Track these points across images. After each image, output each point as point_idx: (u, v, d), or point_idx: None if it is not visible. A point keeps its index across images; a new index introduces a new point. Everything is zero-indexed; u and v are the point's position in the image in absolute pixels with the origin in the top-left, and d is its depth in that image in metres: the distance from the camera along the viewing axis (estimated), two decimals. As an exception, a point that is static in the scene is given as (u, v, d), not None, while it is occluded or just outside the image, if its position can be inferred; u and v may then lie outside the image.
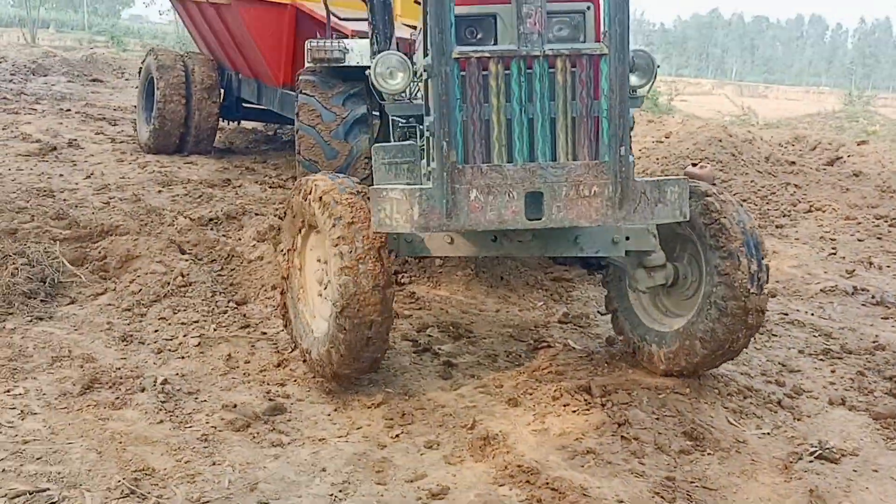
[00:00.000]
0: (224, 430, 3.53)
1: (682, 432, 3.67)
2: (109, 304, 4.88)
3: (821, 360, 4.71)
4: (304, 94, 5.86)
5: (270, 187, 8.82)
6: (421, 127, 5.07)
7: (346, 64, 5.85)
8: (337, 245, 3.59)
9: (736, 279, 3.78)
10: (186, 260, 5.52)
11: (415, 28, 7.23)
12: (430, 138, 3.51)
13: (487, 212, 3.45)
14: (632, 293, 4.39)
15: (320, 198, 3.71)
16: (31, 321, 4.59)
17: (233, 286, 5.35)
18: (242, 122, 11.67)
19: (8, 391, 3.75)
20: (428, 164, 3.91)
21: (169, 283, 5.13)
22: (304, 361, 4.02)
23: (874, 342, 4.96)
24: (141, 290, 5.03)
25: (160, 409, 3.69)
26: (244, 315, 4.89)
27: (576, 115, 3.49)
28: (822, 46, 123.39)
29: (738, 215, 3.84)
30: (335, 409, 3.83)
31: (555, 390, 3.95)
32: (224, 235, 6.71)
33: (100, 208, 7.27)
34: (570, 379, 4.13)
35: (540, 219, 3.48)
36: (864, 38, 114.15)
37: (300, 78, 6.05)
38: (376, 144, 4.81)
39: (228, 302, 5.06)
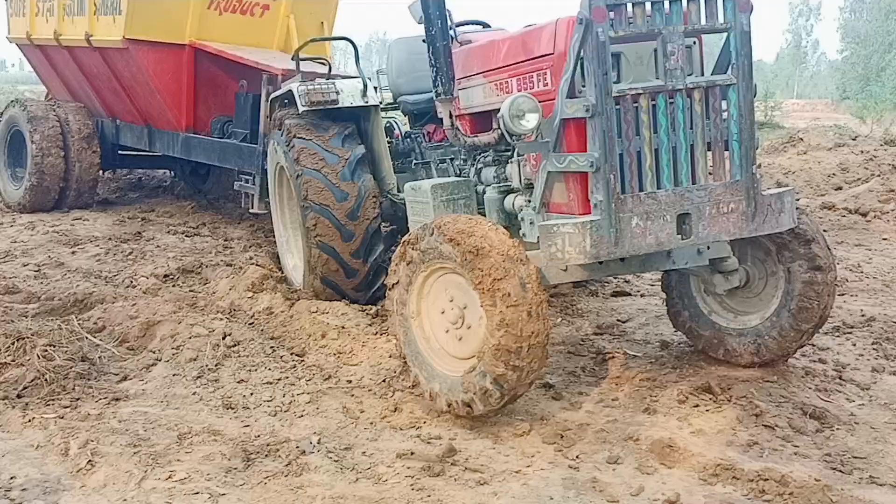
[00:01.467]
0: (424, 478, 3.53)
1: (806, 415, 4.11)
2: (175, 374, 4.61)
3: (837, 336, 5.37)
4: (300, 138, 5.77)
5: (188, 236, 8.50)
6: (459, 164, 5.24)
7: (339, 105, 5.85)
8: (500, 283, 3.68)
9: None
10: (221, 319, 5.30)
11: (317, 60, 7.25)
12: (594, 173, 3.70)
13: (647, 236, 3.73)
14: (700, 300, 4.79)
15: (468, 238, 3.78)
16: (108, 403, 4.26)
17: (275, 339, 5.21)
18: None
19: (170, 477, 3.51)
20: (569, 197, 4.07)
21: (219, 345, 4.92)
22: (448, 404, 4.02)
23: (862, 315, 5.71)
24: (197, 356, 4.79)
25: (340, 469, 3.61)
26: (318, 367, 4.79)
27: (711, 140, 3.84)
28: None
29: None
30: (493, 444, 3.90)
31: (678, 394, 4.27)
32: (191, 291, 6.46)
33: (34, 277, 6.75)
34: (674, 383, 4.47)
35: (689, 237, 3.80)
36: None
37: (285, 123, 5.94)
38: (434, 182, 4.91)
39: (292, 356, 4.94)
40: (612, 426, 4.05)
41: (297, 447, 3.78)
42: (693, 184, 3.83)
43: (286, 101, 6.24)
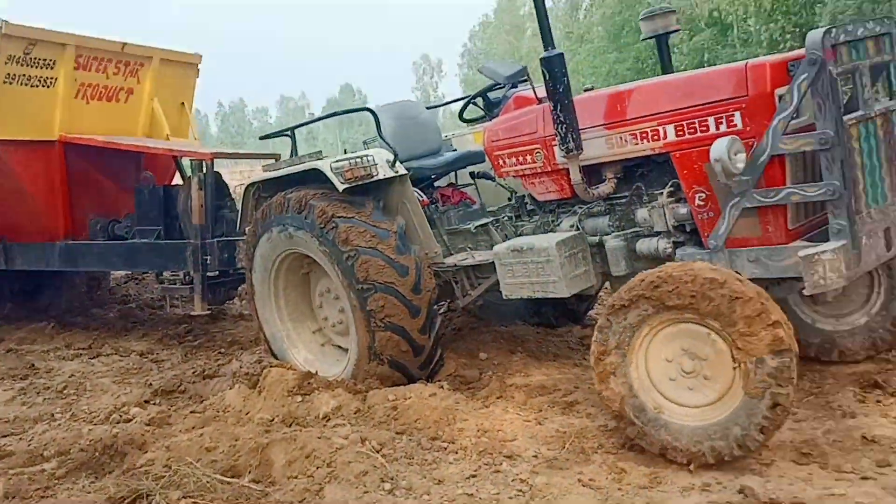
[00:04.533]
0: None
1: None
2: (365, 492, 4.02)
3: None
4: (342, 217, 5.32)
5: (92, 358, 7.49)
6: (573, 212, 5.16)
7: (375, 178, 5.48)
8: (770, 327, 3.74)
9: None
10: (343, 425, 4.71)
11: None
12: (834, 201, 3.90)
13: (871, 253, 4.04)
14: (800, 312, 5.14)
15: (720, 285, 3.79)
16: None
17: (401, 434, 4.73)
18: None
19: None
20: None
21: (370, 453, 4.38)
22: (715, 452, 3.94)
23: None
24: (367, 469, 4.21)
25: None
26: (488, 451, 4.43)
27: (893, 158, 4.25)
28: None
29: None
30: (762, 475, 3.92)
31: (854, 396, 4.58)
32: (193, 412, 5.65)
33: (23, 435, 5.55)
34: (818, 388, 4.81)
35: (891, 250, 4.16)
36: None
37: (311, 204, 5.44)
38: (558, 238, 4.79)
39: (448, 444, 4.54)
40: (834, 435, 4.22)
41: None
42: (886, 201, 4.20)
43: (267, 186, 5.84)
